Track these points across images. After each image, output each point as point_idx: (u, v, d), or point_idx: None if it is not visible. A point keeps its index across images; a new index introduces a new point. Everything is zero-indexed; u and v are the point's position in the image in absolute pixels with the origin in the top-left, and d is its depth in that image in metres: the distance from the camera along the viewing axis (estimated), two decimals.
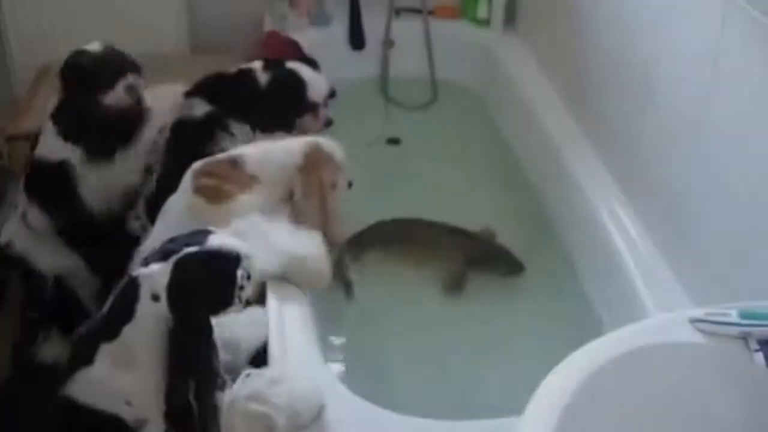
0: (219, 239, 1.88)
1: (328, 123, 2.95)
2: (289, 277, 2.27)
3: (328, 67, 3.66)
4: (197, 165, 2.47)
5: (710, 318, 1.51)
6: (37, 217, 2.73)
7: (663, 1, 2.35)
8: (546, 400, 1.38)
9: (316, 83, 2.92)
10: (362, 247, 2.87)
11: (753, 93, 1.92)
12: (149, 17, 3.52)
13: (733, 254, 2.01)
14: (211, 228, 1.94)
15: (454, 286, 2.78)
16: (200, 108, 2.80)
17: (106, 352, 1.86)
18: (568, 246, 2.89)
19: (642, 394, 1.46)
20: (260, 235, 2.24)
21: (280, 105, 2.86)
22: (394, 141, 3.59)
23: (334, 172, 2.55)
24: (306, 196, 2.46)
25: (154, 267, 1.84)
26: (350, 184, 2.60)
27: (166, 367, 1.86)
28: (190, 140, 2.75)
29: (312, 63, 3.04)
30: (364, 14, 3.75)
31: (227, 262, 1.85)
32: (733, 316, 1.50)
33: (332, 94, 2.97)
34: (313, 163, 2.51)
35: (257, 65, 2.91)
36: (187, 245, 1.85)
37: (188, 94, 2.86)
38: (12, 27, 3.43)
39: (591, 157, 2.88)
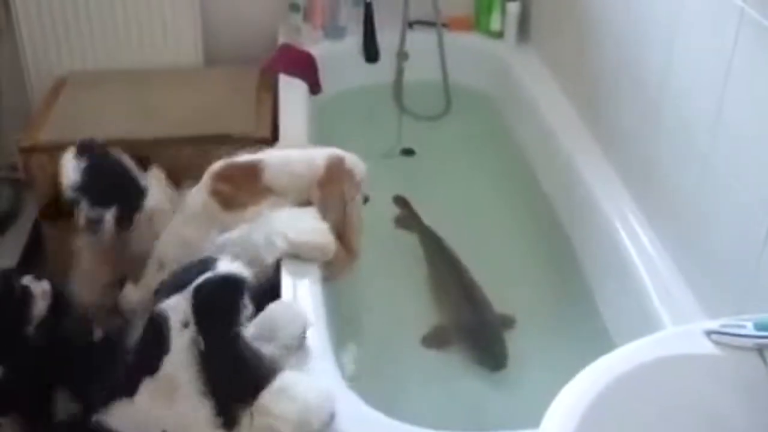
0: (226, 265, 1.98)
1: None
2: (296, 253, 2.33)
3: (342, 79, 3.69)
4: (218, 165, 2.51)
5: (725, 330, 1.50)
6: None
7: (676, 13, 2.35)
8: (561, 413, 1.38)
9: None
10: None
11: (765, 104, 1.92)
12: (163, 29, 3.53)
13: (748, 266, 2.00)
14: (216, 256, 2.02)
15: (434, 343, 2.68)
16: None
17: (148, 385, 1.93)
18: (581, 256, 2.88)
19: (657, 407, 1.46)
20: (264, 221, 2.34)
21: None
22: (408, 152, 3.59)
23: (355, 188, 2.54)
24: (323, 209, 2.46)
25: (175, 298, 1.92)
26: (366, 199, 2.59)
27: (204, 388, 1.91)
28: None
29: None
30: (378, 27, 3.76)
31: (238, 284, 1.96)
32: (749, 328, 1.49)
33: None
34: (334, 177, 2.50)
35: None
36: (200, 272, 1.95)
37: None
38: (27, 39, 3.44)
39: (604, 167, 2.87)
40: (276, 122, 3.13)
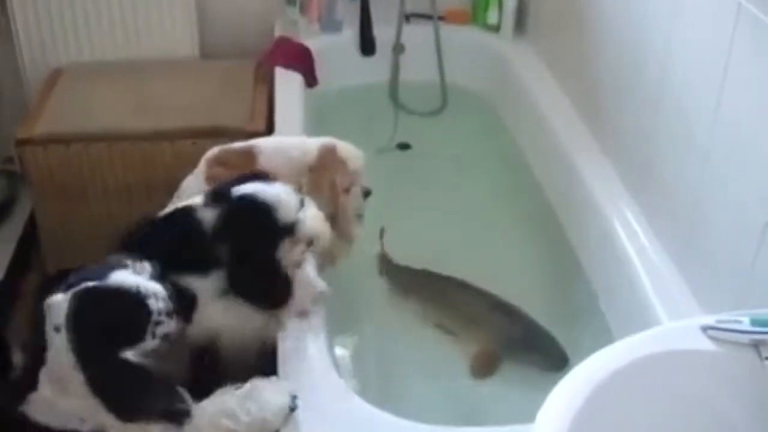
0: (122, 276, 1.87)
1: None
2: None
3: (338, 73, 3.69)
4: (213, 151, 2.51)
5: (722, 325, 1.50)
6: None
7: (674, 8, 2.35)
8: (557, 407, 1.38)
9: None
10: (401, 284, 2.83)
11: (764, 102, 1.91)
12: (159, 22, 3.53)
13: (745, 262, 2.00)
14: (124, 261, 1.93)
15: (484, 371, 2.54)
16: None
17: (44, 376, 1.86)
18: (578, 252, 2.88)
19: (653, 402, 1.46)
20: None
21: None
22: (404, 146, 3.59)
23: (348, 178, 2.50)
24: (314, 194, 2.41)
25: (56, 297, 1.84)
26: (367, 194, 2.57)
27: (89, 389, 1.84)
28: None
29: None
30: (375, 20, 3.75)
31: (126, 298, 1.84)
32: (745, 324, 1.49)
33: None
34: (326, 164, 2.49)
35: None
36: (87, 279, 1.85)
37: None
38: (23, 31, 3.43)
39: (602, 162, 2.87)
40: (272, 115, 3.12)
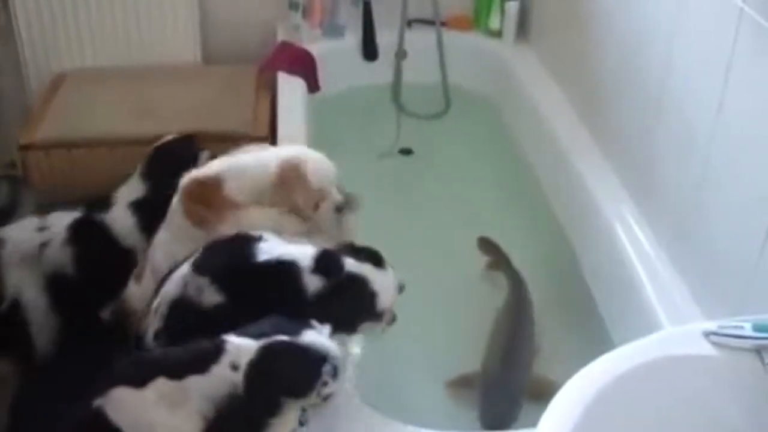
0: (312, 336, 1.88)
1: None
2: None
3: (340, 78, 3.69)
4: (186, 183, 2.37)
5: (724, 331, 1.51)
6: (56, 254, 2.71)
7: (675, 12, 2.35)
8: (560, 412, 1.38)
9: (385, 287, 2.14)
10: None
11: (766, 104, 1.92)
12: (162, 27, 3.53)
13: (746, 267, 2.00)
14: (312, 322, 1.92)
15: (457, 385, 2.51)
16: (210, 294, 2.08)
17: (161, 385, 1.86)
18: (580, 255, 2.88)
19: (655, 407, 1.46)
20: None
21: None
22: (406, 151, 3.59)
23: (313, 195, 2.31)
24: (282, 212, 2.33)
25: (244, 341, 1.86)
26: (338, 209, 2.37)
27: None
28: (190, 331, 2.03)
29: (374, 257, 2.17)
30: (377, 25, 3.76)
31: (312, 360, 1.85)
32: (747, 329, 1.49)
33: (401, 290, 2.20)
34: (286, 183, 2.32)
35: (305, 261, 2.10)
36: (281, 332, 1.87)
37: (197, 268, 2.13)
38: (26, 36, 3.44)
39: (603, 166, 2.88)
40: (274, 120, 3.12)
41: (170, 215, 2.40)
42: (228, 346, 1.86)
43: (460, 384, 2.50)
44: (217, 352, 1.85)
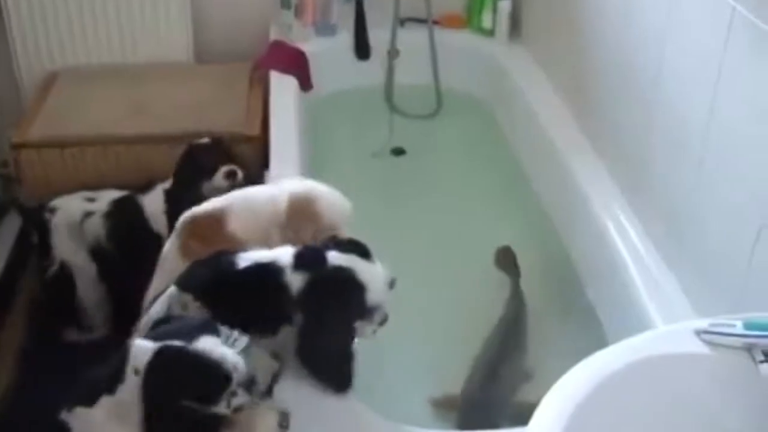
0: (208, 343, 1.80)
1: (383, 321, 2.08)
2: None
3: (333, 77, 3.69)
4: (186, 219, 2.30)
5: (715, 329, 1.51)
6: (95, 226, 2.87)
7: (668, 12, 2.35)
8: (552, 411, 1.38)
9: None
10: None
11: (758, 104, 1.92)
12: (155, 26, 3.53)
13: (739, 266, 2.01)
14: (219, 325, 1.85)
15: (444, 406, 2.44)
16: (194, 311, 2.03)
17: (105, 402, 1.85)
18: (573, 255, 2.89)
19: (647, 405, 1.46)
20: None
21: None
22: (399, 151, 3.59)
23: (323, 233, 2.18)
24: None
25: (143, 343, 1.83)
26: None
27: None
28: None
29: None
30: (369, 24, 3.76)
31: (207, 369, 1.79)
32: (738, 328, 1.49)
33: (391, 285, 2.09)
34: (296, 219, 2.23)
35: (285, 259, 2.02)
36: (176, 336, 1.82)
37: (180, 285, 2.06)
38: (18, 35, 3.43)
39: (596, 166, 2.88)
40: (267, 119, 3.12)
41: (162, 260, 2.31)
42: (129, 351, 1.83)
43: (444, 404, 2.43)
44: (124, 356, 1.83)
